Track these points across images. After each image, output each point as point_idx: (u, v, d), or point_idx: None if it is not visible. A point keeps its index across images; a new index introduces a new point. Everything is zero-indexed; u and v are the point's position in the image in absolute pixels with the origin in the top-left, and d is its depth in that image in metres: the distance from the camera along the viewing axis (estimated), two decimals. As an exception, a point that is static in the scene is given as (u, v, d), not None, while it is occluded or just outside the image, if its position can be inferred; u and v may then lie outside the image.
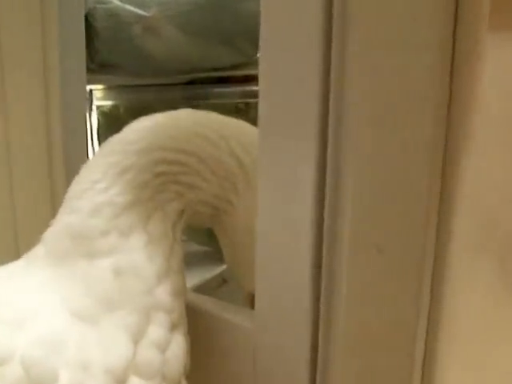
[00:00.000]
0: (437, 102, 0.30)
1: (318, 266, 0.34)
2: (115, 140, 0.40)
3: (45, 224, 0.58)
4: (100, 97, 0.70)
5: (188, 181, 0.40)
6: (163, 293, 0.36)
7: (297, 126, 0.34)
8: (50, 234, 0.38)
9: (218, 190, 0.41)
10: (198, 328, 0.41)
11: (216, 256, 0.62)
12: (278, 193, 0.35)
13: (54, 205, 0.58)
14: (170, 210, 0.39)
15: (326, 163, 0.33)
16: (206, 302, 0.43)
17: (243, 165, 0.41)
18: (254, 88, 0.68)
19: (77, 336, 0.33)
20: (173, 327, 0.36)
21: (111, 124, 0.69)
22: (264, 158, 0.35)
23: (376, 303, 0.34)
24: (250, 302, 0.43)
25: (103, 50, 0.62)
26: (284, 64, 0.34)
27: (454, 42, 0.30)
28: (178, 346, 0.36)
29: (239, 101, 0.68)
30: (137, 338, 0.34)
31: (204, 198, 0.41)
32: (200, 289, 0.47)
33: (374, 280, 0.33)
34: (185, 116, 0.42)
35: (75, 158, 0.59)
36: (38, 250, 0.38)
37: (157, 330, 0.35)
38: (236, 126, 0.43)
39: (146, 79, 0.69)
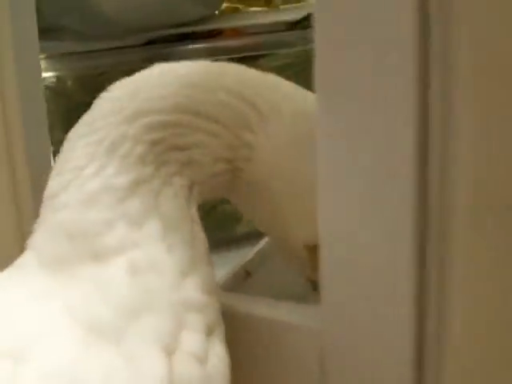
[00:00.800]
0: None
1: (421, 239, 0.28)
2: (92, 115, 0.36)
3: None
4: (42, 68, 0.62)
5: (190, 141, 0.36)
6: (192, 288, 0.32)
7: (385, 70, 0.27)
8: (38, 238, 0.33)
9: (229, 139, 0.37)
10: (239, 335, 0.36)
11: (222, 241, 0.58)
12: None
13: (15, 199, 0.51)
14: (178, 185, 0.35)
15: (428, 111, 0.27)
16: (244, 301, 0.38)
17: (250, 102, 0.38)
18: (223, 43, 0.63)
19: (96, 359, 0.27)
20: (209, 332, 0.31)
21: (59, 99, 0.62)
22: (331, 121, 0.29)
23: (509, 288, 0.28)
24: (310, 259, 0.39)
25: (46, 11, 0.56)
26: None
27: None
28: (219, 355, 0.31)
29: (207, 58, 0.62)
30: (170, 349, 0.29)
31: (216, 154, 0.37)
32: (221, 286, 0.42)
33: (506, 254, 0.28)
34: (167, 70, 0.38)
35: (36, 141, 0.52)
36: (28, 259, 0.32)
37: (192, 336, 0.30)
38: (226, 65, 0.40)
39: (97, 43, 0.63)
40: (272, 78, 0.41)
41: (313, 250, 0.38)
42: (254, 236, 0.62)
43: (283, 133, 0.38)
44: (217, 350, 0.31)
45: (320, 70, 0.29)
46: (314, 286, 0.40)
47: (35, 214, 0.46)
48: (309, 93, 0.41)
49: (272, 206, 0.39)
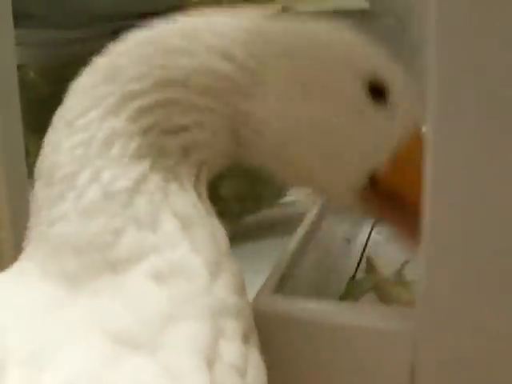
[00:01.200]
0: None
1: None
2: (68, 111, 0.32)
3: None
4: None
5: (185, 121, 0.33)
6: (224, 290, 0.29)
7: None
8: (34, 252, 0.30)
9: (225, 110, 0.33)
10: (306, 344, 0.35)
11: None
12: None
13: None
14: (183, 176, 0.32)
15: None
16: (318, 308, 0.36)
17: (238, 61, 0.33)
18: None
19: (127, 368, 0.25)
20: (246, 339, 0.29)
21: (20, 90, 0.59)
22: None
23: None
24: (363, 199, 0.37)
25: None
26: None
27: None
28: (256, 365, 0.29)
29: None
30: (210, 360, 0.27)
31: (215, 128, 0.34)
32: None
33: None
34: (142, 40, 0.34)
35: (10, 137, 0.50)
36: (28, 269, 0.30)
37: (230, 345, 0.28)
38: (202, 19, 0.35)
39: (63, 32, 0.61)
40: (261, 24, 0.35)
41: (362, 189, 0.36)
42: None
43: (283, 89, 0.34)
44: (255, 359, 0.29)
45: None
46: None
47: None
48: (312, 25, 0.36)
49: (301, 164, 0.36)
